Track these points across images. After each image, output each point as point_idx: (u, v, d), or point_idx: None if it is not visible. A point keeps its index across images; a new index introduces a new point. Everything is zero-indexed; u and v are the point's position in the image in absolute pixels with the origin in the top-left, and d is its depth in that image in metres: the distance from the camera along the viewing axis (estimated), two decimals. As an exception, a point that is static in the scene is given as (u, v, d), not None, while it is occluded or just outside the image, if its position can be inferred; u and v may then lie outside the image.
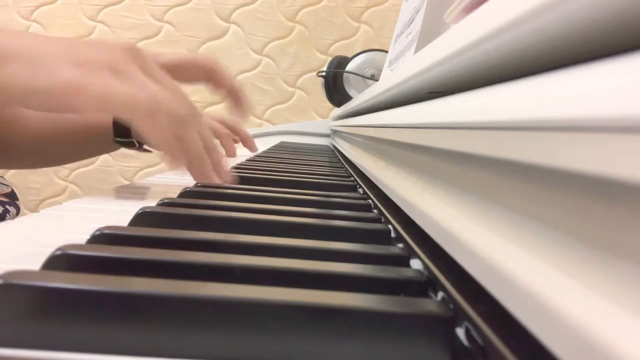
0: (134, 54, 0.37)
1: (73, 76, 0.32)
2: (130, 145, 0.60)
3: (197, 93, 1.59)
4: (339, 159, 0.81)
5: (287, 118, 1.60)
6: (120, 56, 0.36)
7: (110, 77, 0.34)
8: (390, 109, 0.40)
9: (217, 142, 0.55)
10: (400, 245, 0.27)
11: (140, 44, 1.58)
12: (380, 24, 1.60)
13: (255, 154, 0.84)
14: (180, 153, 0.37)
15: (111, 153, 1.21)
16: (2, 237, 0.25)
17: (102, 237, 0.23)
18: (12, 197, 0.68)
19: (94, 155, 0.72)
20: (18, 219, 0.29)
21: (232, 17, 1.60)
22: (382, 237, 0.29)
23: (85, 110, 0.33)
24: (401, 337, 0.16)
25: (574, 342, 0.10)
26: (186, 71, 0.51)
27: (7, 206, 0.62)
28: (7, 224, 0.28)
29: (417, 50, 0.42)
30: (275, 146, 1.05)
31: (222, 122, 0.77)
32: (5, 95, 0.32)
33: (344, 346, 0.16)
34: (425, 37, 0.41)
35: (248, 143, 0.87)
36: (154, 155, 1.53)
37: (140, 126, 0.35)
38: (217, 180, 0.41)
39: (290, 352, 0.16)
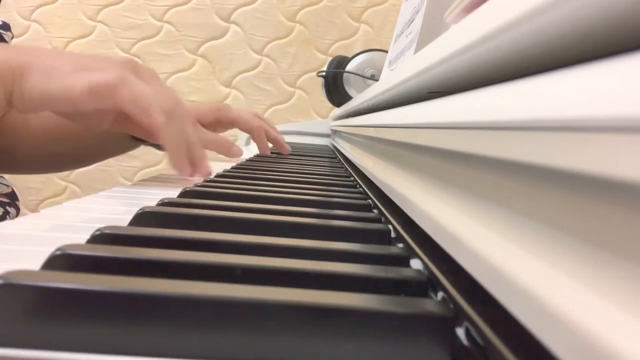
0: (130, 64, 0.43)
1: (77, 79, 0.39)
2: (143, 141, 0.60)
3: (197, 94, 1.60)
4: (339, 159, 0.81)
5: (287, 118, 1.60)
6: (117, 64, 0.42)
7: (97, 73, 0.40)
8: (390, 109, 0.40)
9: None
10: (400, 245, 0.27)
11: (140, 44, 1.58)
12: (380, 24, 1.59)
13: (255, 153, 0.83)
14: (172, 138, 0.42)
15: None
16: (2, 237, 0.25)
17: (102, 237, 0.23)
18: (12, 197, 0.67)
19: (100, 159, 0.72)
20: (18, 219, 0.29)
21: (232, 17, 1.60)
22: (382, 237, 0.29)
23: (82, 105, 0.39)
24: (401, 337, 0.16)
25: (574, 342, 0.10)
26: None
27: (7, 207, 0.62)
28: (7, 224, 0.28)
29: (417, 50, 0.42)
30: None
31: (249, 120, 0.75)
32: (29, 103, 0.39)
33: (344, 346, 0.16)
34: (425, 37, 0.41)
35: (278, 145, 0.83)
36: (154, 156, 1.53)
37: (118, 100, 0.40)
38: (188, 173, 0.45)
39: (290, 352, 0.16)
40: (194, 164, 0.45)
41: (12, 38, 0.78)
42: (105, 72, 0.40)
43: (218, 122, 0.70)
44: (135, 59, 0.43)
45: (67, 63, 0.40)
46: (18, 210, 0.74)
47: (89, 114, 0.42)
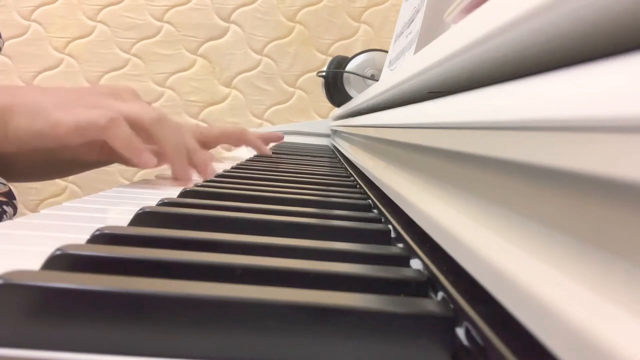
0: (110, 92, 0.45)
1: (56, 117, 0.40)
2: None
3: (197, 94, 1.60)
4: (339, 159, 0.81)
5: (287, 118, 1.60)
6: (96, 94, 0.44)
7: (83, 111, 0.41)
8: (390, 109, 0.40)
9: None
10: (400, 245, 0.27)
11: (140, 44, 1.58)
12: (380, 24, 1.60)
13: (255, 153, 0.83)
14: (149, 155, 0.43)
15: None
16: (2, 237, 0.25)
17: (102, 237, 0.23)
18: (9, 196, 0.67)
19: (93, 168, 0.73)
20: (18, 219, 0.29)
21: (232, 17, 1.60)
22: (382, 237, 0.29)
23: (69, 141, 0.41)
24: (401, 337, 0.16)
25: (574, 342, 0.10)
26: None
27: (4, 206, 0.61)
28: (6, 224, 0.28)
29: (417, 50, 0.42)
30: (275, 146, 1.05)
31: (223, 133, 0.76)
32: (16, 143, 0.41)
33: (344, 346, 0.16)
34: (425, 37, 0.41)
35: (269, 139, 0.84)
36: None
37: (108, 140, 0.41)
38: (190, 180, 0.46)
39: (290, 352, 0.16)
40: (199, 166, 0.47)
41: (2, 44, 0.77)
42: (90, 110, 0.41)
43: (201, 143, 0.71)
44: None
45: (50, 100, 0.41)
46: (15, 209, 0.74)
47: (76, 147, 0.43)
